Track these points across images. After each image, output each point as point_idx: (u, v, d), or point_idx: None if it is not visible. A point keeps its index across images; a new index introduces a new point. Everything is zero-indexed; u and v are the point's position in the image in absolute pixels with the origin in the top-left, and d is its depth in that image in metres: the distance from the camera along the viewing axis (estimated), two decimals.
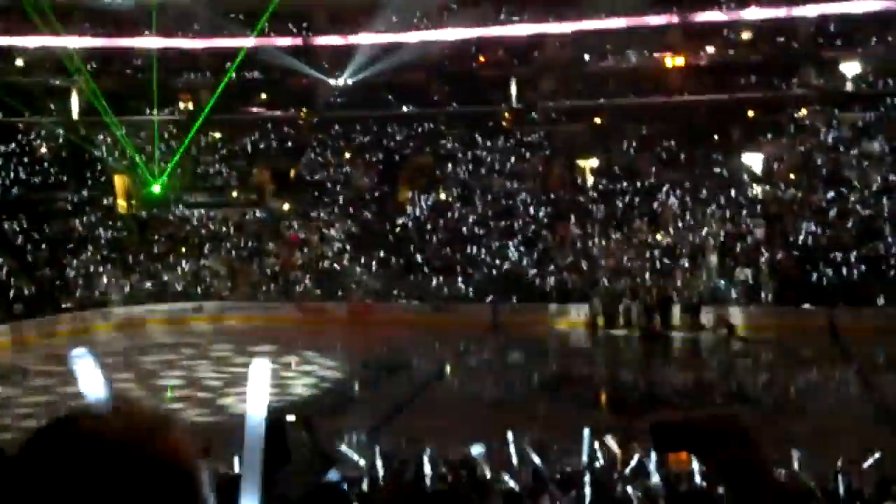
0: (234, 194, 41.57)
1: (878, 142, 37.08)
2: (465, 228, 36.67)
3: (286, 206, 39.99)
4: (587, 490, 8.60)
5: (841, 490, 8.48)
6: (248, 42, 42.86)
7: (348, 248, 36.48)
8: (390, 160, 42.70)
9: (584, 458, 9.77)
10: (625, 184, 37.87)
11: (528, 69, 44.30)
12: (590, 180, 39.49)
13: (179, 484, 1.09)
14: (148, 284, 34.51)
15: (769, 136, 38.77)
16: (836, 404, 19.27)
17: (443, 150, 42.77)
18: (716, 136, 39.86)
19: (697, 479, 8.26)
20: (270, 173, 42.51)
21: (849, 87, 40.26)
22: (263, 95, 46.86)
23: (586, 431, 10.06)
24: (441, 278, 33.28)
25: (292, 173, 42.64)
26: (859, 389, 20.67)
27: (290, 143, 44.34)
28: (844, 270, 30.17)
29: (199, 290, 34.64)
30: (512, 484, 8.26)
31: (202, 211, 39.75)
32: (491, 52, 45.59)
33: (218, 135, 44.82)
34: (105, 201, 40.30)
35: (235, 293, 34.33)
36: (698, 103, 41.09)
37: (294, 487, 5.18)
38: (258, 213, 39.79)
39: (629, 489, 8.39)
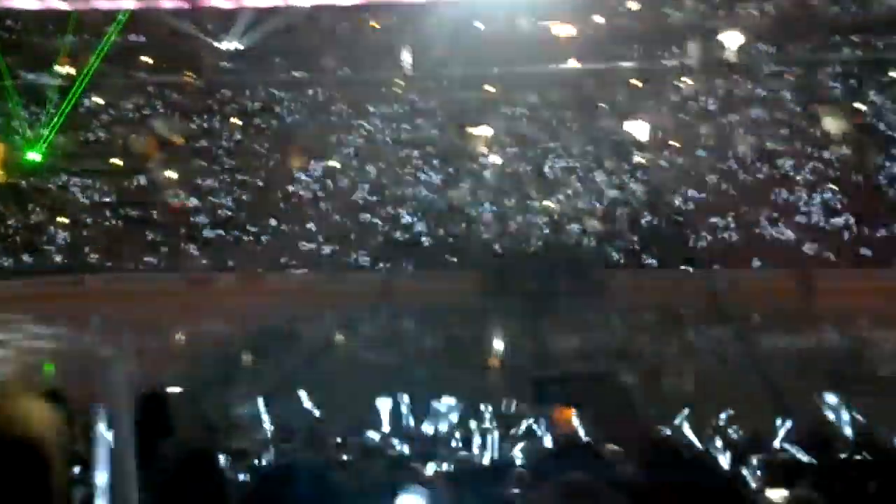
0: (118, 161, 40.11)
1: (757, 110, 38.58)
2: (357, 195, 36.47)
3: (172, 174, 38.87)
4: (477, 453, 8.75)
5: (718, 445, 8.88)
6: (132, 3, 41.27)
7: (238, 216, 35.81)
8: (281, 127, 42.00)
9: (473, 422, 9.95)
10: (515, 150, 38.31)
11: (420, 35, 44.11)
12: (481, 148, 39.76)
13: (28, 451, 1.08)
14: (25, 256, 33.12)
15: (652, 104, 39.81)
16: (716, 364, 20.12)
17: (334, 117, 42.29)
18: (602, 105, 40.66)
19: (582, 436, 8.51)
20: (156, 140, 41.22)
21: (730, 56, 41.62)
22: (148, 59, 45.27)
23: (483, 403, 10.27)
24: (333, 246, 33.07)
25: (179, 140, 41.46)
26: (737, 349, 21.62)
27: (176, 109, 43.06)
28: (722, 234, 31.45)
29: (80, 261, 33.44)
30: (402, 448, 8.33)
31: (83, 179, 38.26)
32: (383, 18, 45.19)
33: (101, 100, 43.15)
34: None
35: (119, 265, 33.27)
36: (586, 72, 41.78)
37: (176, 459, 5.09)
38: (143, 181, 38.56)
39: (517, 450, 8.58)
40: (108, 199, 37.15)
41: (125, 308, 27.32)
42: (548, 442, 8.54)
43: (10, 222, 34.89)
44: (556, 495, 1.69)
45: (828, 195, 32.97)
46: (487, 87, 42.76)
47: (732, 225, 31.99)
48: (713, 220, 32.24)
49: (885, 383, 17.06)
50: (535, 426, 10.13)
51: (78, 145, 40.29)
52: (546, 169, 36.72)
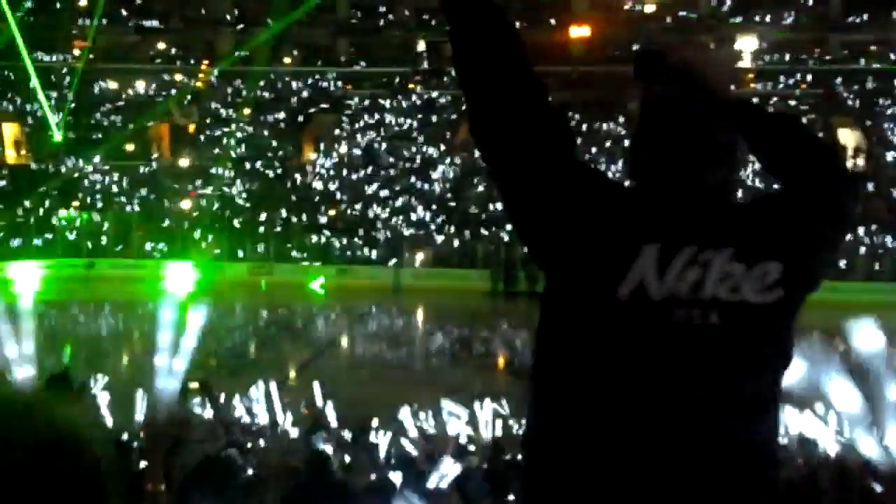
0: (130, 147, 40.17)
1: None
2: (369, 189, 36.44)
3: (185, 162, 38.96)
4: (480, 456, 8.75)
5: None
6: None
7: (249, 206, 35.82)
8: (294, 117, 41.96)
9: (482, 426, 9.95)
10: None
11: (436, 29, 44.03)
12: None
13: (67, 453, 1.06)
14: (37, 240, 33.16)
15: None
16: None
17: (348, 110, 42.25)
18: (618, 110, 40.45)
19: None
20: (169, 127, 41.29)
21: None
22: (162, 45, 45.29)
23: (485, 400, 10.25)
24: (344, 240, 33.07)
25: (192, 128, 41.49)
26: None
27: (190, 97, 43.06)
28: None
29: (90, 245, 33.51)
30: (411, 450, 8.33)
31: (97, 164, 38.28)
32: (399, 11, 45.10)
33: (114, 84, 43.19)
34: None
35: (130, 251, 33.33)
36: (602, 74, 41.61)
37: (195, 456, 5.14)
38: (155, 167, 38.63)
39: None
40: (119, 185, 37.16)
41: (135, 293, 27.46)
42: None
43: (23, 204, 34.93)
44: None
45: None
46: None
47: None
48: None
49: None
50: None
51: (91, 130, 40.34)
52: None
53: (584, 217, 1.76)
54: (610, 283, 1.71)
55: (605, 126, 39.27)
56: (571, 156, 1.84)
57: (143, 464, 5.02)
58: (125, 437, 6.09)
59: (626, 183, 1.92)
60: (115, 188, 36.94)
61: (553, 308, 1.84)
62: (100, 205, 35.62)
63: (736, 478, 1.74)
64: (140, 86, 43.18)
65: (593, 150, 36.92)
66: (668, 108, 1.81)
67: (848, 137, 36.69)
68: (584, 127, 39.24)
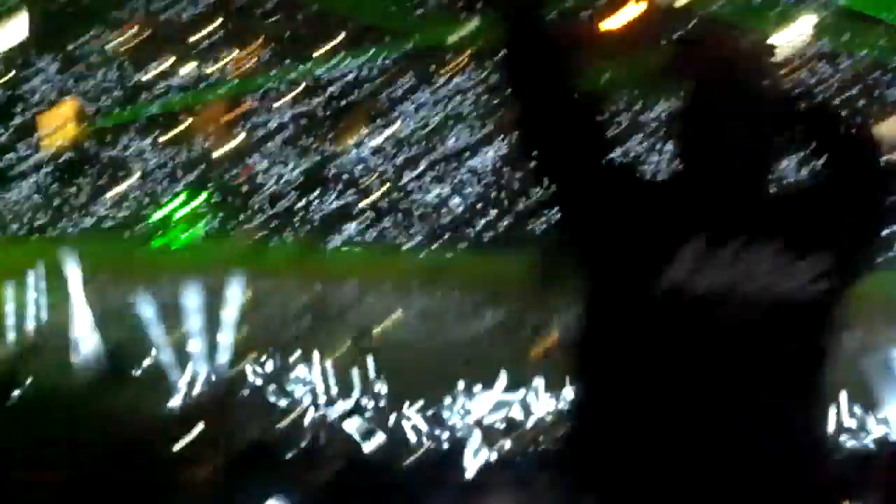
0: (177, 130, 40.50)
1: None
2: (412, 172, 36.44)
3: (230, 145, 39.21)
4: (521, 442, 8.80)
5: None
6: None
7: (292, 189, 36.05)
8: (338, 100, 42.03)
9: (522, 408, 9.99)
10: None
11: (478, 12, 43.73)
12: None
13: None
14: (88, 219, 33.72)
15: None
16: None
17: (390, 91, 42.17)
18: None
19: None
20: (213, 110, 41.53)
21: None
22: (210, 28, 45.56)
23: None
24: (385, 223, 33.19)
25: (235, 111, 41.71)
26: None
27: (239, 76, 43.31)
28: None
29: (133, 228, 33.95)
30: (450, 435, 8.40)
31: (143, 146, 38.70)
32: None
33: (162, 66, 43.55)
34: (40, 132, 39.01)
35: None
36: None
37: (240, 437, 5.24)
38: (201, 150, 38.95)
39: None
40: (170, 164, 37.55)
41: (182, 272, 27.77)
42: None
43: (74, 183, 35.46)
44: None
45: None
46: None
47: None
48: None
49: None
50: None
51: (138, 113, 40.68)
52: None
53: (629, 212, 1.78)
54: (652, 277, 1.73)
55: (645, 118, 38.80)
56: (609, 158, 1.89)
57: (189, 443, 5.13)
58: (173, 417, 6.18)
59: (667, 175, 1.94)
60: (162, 170, 37.35)
61: (595, 299, 1.87)
62: (146, 187, 36.07)
63: (785, 471, 1.75)
64: (188, 68, 43.50)
65: (634, 141, 36.53)
66: (708, 101, 1.82)
67: (892, 126, 35.92)
68: (625, 118, 38.86)
